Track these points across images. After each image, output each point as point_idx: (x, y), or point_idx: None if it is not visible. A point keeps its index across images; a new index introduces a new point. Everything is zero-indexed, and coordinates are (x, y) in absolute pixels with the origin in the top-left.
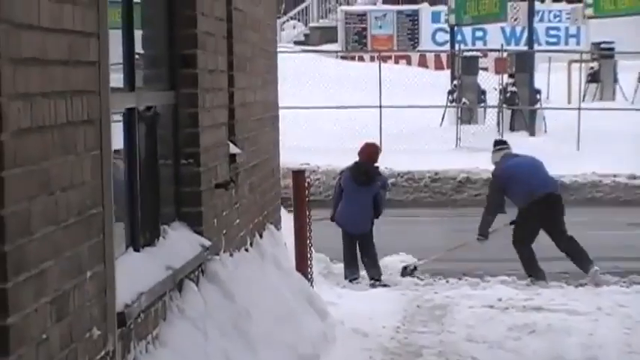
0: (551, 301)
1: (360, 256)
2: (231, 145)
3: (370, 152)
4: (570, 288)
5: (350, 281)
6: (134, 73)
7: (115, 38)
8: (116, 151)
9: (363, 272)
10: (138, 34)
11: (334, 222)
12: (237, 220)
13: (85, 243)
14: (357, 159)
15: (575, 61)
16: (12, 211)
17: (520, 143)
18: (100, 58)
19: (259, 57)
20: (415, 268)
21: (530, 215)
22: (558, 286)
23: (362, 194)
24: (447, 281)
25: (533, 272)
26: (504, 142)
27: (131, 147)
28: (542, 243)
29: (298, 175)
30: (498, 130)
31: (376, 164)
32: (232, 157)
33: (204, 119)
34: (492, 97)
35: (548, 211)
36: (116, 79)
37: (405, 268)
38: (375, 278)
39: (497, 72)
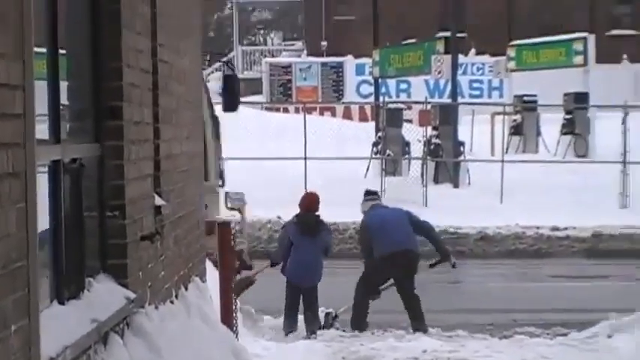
0: (476, 353)
1: (302, 309)
2: (156, 197)
3: (311, 201)
4: (494, 340)
5: (287, 334)
6: (59, 124)
7: (41, 89)
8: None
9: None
10: (63, 85)
11: (283, 274)
12: (163, 273)
13: (10, 297)
14: (297, 211)
15: (499, 113)
16: None
17: (444, 195)
18: (26, 111)
19: (185, 109)
20: (336, 316)
21: (385, 268)
22: (482, 338)
23: (312, 245)
24: (373, 333)
25: (358, 324)
26: (374, 193)
27: (56, 199)
28: (467, 294)
29: (223, 227)
30: (422, 182)
31: (317, 213)
32: (158, 209)
33: (130, 171)
34: (416, 149)
35: (404, 267)
36: (41, 129)
37: (327, 315)
38: (314, 331)
39: (421, 124)
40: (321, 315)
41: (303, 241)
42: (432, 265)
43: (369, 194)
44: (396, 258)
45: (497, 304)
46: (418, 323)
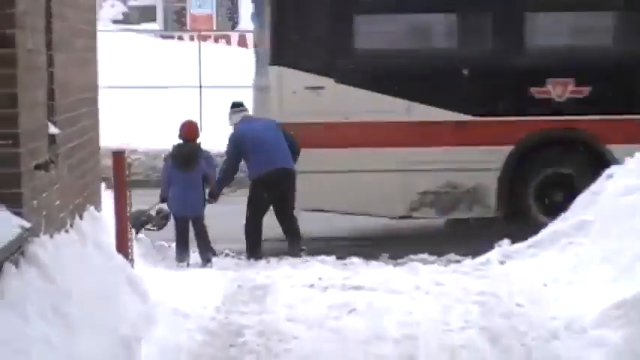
0: (371, 280)
1: (194, 239)
2: (50, 125)
3: (188, 131)
4: (389, 267)
5: (179, 264)
6: None
7: None
8: None
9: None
10: None
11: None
12: (58, 202)
13: None
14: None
15: None
16: None
17: None
18: None
19: (78, 36)
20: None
21: (263, 189)
22: (377, 266)
23: (189, 177)
24: (268, 261)
25: (253, 250)
26: (241, 104)
27: None
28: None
29: (118, 155)
30: None
31: (197, 141)
32: (52, 137)
33: (24, 99)
34: None
35: (281, 187)
36: None
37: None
38: (209, 259)
39: None
40: None
41: (178, 174)
42: None
43: (237, 105)
44: (272, 177)
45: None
46: (294, 246)
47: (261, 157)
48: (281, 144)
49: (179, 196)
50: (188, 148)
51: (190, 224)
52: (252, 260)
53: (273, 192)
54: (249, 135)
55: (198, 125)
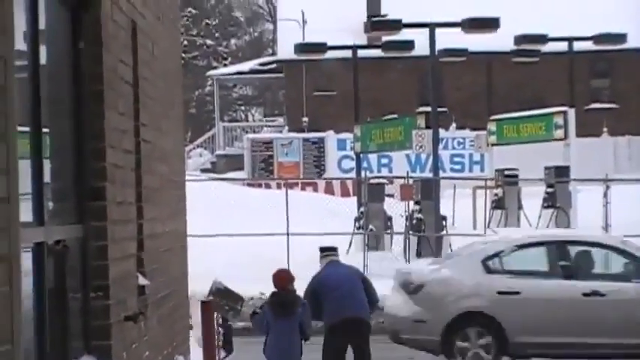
0: None
1: None
2: (140, 276)
3: (282, 278)
4: None
5: None
6: (43, 206)
7: (24, 169)
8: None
9: None
10: (46, 164)
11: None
12: (147, 353)
13: None
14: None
15: (480, 187)
16: None
17: None
18: (10, 194)
19: (168, 187)
20: None
21: (333, 337)
22: None
23: (287, 325)
24: None
25: None
26: (330, 249)
27: (40, 281)
28: None
29: (206, 305)
30: (405, 257)
31: (292, 289)
32: (141, 288)
33: (113, 251)
34: (399, 224)
35: (351, 335)
36: (24, 209)
37: None
38: None
39: (403, 198)
40: None
41: (276, 322)
42: None
43: (325, 250)
44: (342, 326)
45: None
46: None
47: (333, 304)
48: (356, 293)
49: (277, 344)
50: (287, 296)
51: None
52: None
53: (344, 341)
54: (324, 281)
55: (289, 270)
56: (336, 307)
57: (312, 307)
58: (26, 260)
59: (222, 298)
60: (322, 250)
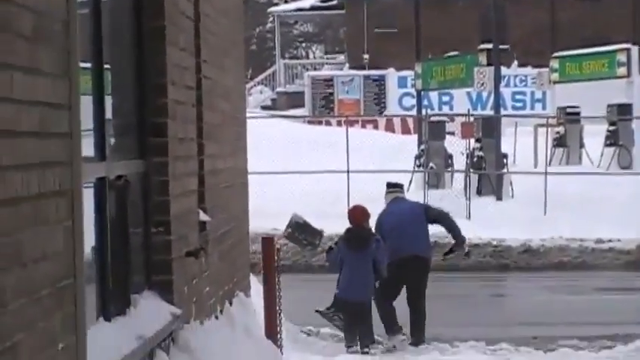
0: None
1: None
2: (201, 212)
3: (357, 215)
4: (539, 353)
5: (348, 350)
6: (105, 141)
7: (85, 106)
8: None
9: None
10: (108, 100)
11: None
12: (208, 288)
13: (58, 314)
14: (341, 225)
15: (542, 125)
16: None
17: (487, 208)
18: (72, 129)
19: (229, 124)
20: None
21: (395, 274)
22: (527, 352)
23: (360, 261)
24: (417, 346)
25: (390, 329)
26: (396, 185)
27: (102, 216)
28: (512, 307)
29: (267, 241)
30: (465, 195)
31: (367, 226)
32: (202, 224)
33: (175, 187)
34: (459, 162)
35: (412, 273)
36: (86, 145)
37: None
38: (367, 345)
39: (463, 136)
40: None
41: (350, 258)
42: (445, 254)
43: (391, 186)
44: (401, 264)
45: (542, 317)
46: (415, 338)
47: (393, 243)
48: (417, 230)
49: (350, 279)
50: (360, 231)
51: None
52: (392, 337)
53: (401, 279)
54: (388, 218)
55: (364, 207)
56: (395, 245)
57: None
58: (88, 195)
59: (300, 232)
60: (388, 185)
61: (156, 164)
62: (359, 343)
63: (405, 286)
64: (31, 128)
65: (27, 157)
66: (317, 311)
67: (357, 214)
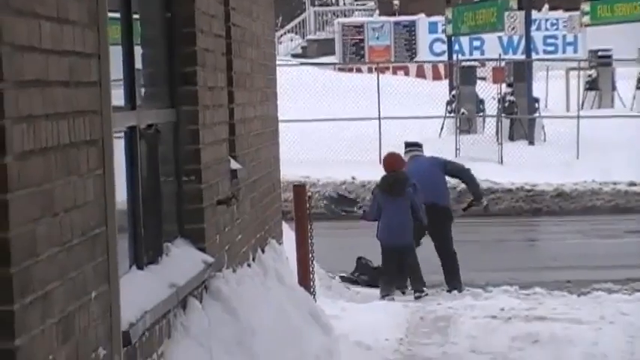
0: (554, 311)
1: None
2: (232, 161)
3: (391, 161)
4: (573, 297)
5: (382, 297)
6: (135, 91)
7: (115, 55)
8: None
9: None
10: (137, 50)
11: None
12: (240, 236)
13: (90, 263)
14: (374, 172)
15: (573, 69)
16: (17, 233)
17: (519, 152)
18: (102, 78)
19: (258, 72)
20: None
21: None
22: (561, 295)
23: (397, 206)
24: (452, 292)
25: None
26: (413, 144)
27: (133, 165)
28: (544, 251)
29: (299, 189)
30: (497, 139)
31: (402, 172)
32: (233, 172)
33: (205, 136)
34: (491, 107)
35: (433, 221)
36: (116, 95)
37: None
38: (419, 290)
39: (495, 81)
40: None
41: (387, 202)
42: (464, 209)
43: (409, 145)
44: (432, 210)
45: (575, 261)
46: (451, 283)
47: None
48: (433, 180)
49: (388, 225)
50: (395, 177)
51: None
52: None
53: (420, 228)
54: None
55: (399, 153)
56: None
57: None
58: (119, 145)
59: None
60: (406, 145)
61: (186, 113)
62: (413, 289)
63: (430, 237)
64: (61, 77)
65: (57, 107)
66: (341, 277)
67: (392, 161)
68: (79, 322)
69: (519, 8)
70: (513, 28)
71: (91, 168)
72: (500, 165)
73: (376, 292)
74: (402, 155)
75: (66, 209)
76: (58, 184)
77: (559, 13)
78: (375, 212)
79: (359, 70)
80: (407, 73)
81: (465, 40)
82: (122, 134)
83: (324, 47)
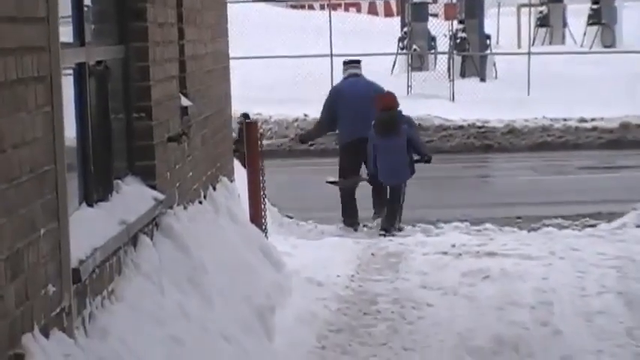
0: (504, 247)
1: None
2: (182, 97)
3: (382, 100)
4: (523, 233)
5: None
6: (84, 27)
7: None
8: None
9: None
10: None
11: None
12: (191, 173)
13: (38, 200)
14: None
15: (525, 5)
16: None
17: (471, 89)
18: (49, 14)
19: (209, 9)
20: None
21: (349, 154)
22: (511, 231)
23: (392, 144)
24: (400, 229)
25: (346, 215)
26: (352, 62)
27: (82, 102)
28: (495, 187)
29: (250, 125)
30: (449, 76)
31: (397, 108)
32: (184, 109)
33: (155, 73)
34: (443, 44)
35: (362, 156)
36: (65, 32)
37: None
38: (392, 225)
39: (447, 18)
40: None
41: (382, 143)
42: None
43: (347, 63)
44: (352, 147)
45: (525, 197)
46: (384, 220)
47: (347, 125)
48: (368, 112)
49: (384, 163)
50: (388, 114)
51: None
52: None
53: (356, 158)
54: (341, 94)
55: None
56: (349, 128)
57: (328, 118)
58: (68, 81)
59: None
60: (345, 63)
61: (136, 49)
62: (381, 220)
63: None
64: (8, 13)
65: (3, 42)
66: (328, 182)
67: (382, 100)
68: (27, 259)
69: None
70: None
71: (39, 104)
72: (451, 102)
73: (329, 228)
74: (342, 72)
75: (14, 145)
76: (6, 121)
77: None
78: (372, 153)
79: (311, 7)
80: (359, 10)
81: None
82: (71, 71)
83: None
